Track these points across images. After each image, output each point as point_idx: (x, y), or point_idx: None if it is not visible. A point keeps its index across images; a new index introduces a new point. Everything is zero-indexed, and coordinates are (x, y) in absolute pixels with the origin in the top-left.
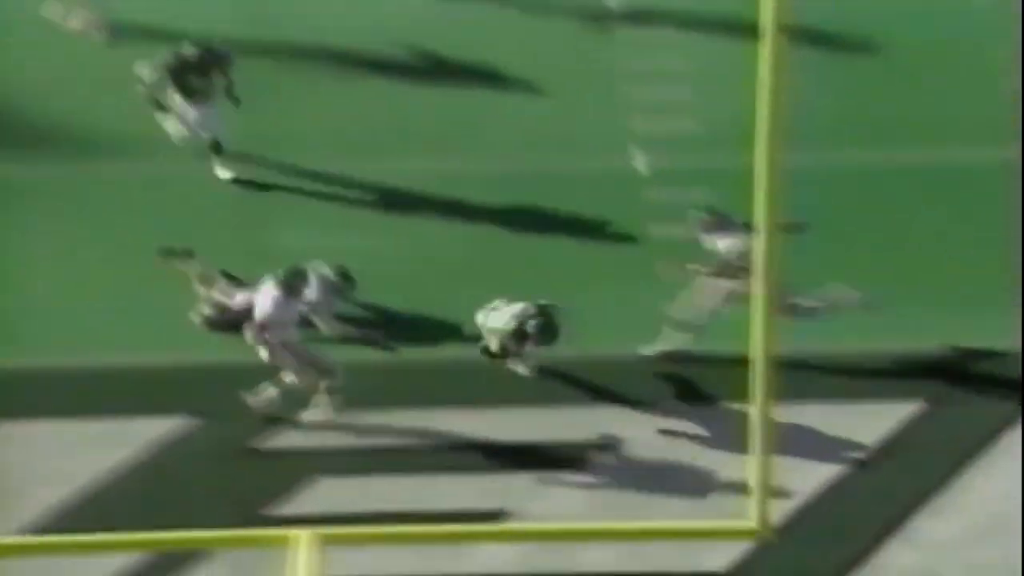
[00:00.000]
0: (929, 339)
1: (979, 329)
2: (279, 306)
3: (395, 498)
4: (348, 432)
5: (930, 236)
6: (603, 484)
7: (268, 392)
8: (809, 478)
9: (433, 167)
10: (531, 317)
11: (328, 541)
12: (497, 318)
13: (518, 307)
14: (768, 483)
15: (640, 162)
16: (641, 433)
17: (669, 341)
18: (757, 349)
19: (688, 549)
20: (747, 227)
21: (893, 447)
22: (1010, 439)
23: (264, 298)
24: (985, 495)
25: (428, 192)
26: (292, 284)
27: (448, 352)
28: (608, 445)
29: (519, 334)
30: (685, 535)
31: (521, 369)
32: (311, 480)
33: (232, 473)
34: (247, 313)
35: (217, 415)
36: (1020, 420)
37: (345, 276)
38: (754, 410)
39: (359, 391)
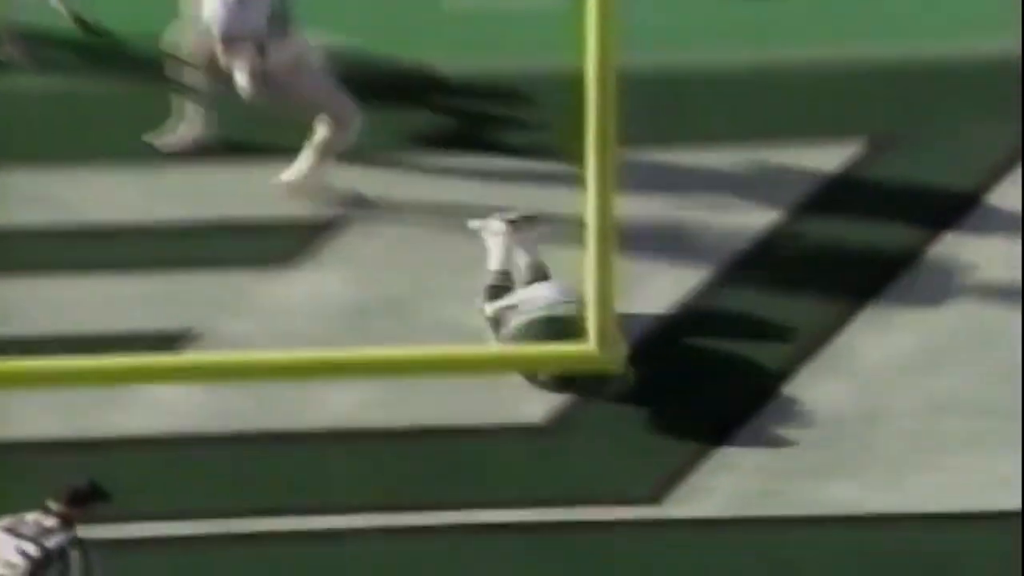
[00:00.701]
0: (877, 41)
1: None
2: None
3: (15, 313)
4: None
5: None
6: (350, 280)
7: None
8: (681, 273)
9: None
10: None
11: None
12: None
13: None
14: (613, 284)
15: None
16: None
17: None
18: (591, 64)
19: (489, 390)
20: None
21: (811, 219)
22: (987, 208)
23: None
24: (944, 298)
25: None
26: None
27: None
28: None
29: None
30: (485, 366)
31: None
32: None
33: None
34: None
35: None
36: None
37: None
38: (590, 169)
39: None
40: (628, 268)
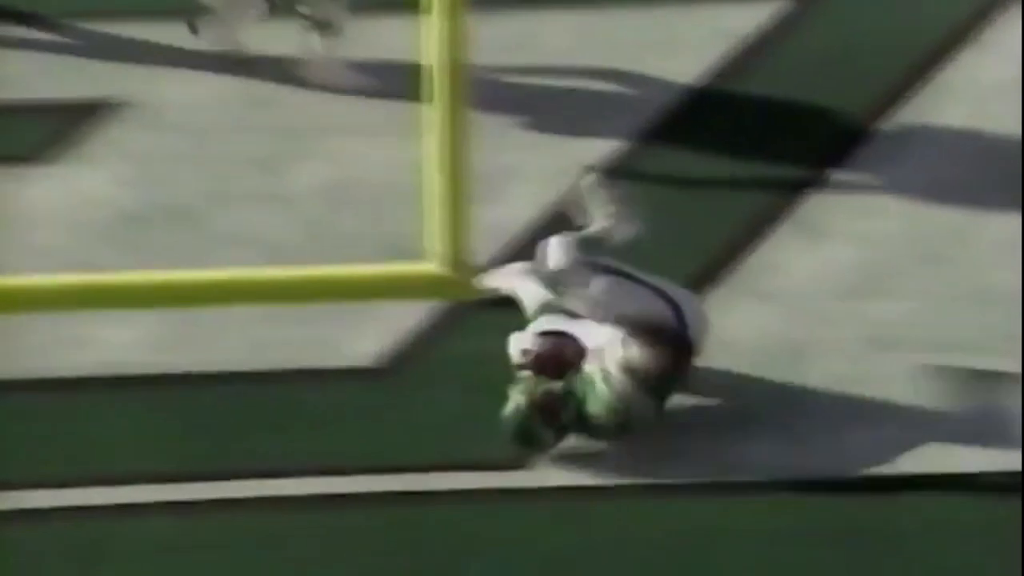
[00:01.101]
0: None
1: None
2: None
3: None
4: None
5: None
6: (123, 180)
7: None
8: (553, 172)
9: None
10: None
11: None
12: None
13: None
14: (465, 190)
15: None
16: None
17: None
18: None
19: (307, 323)
20: None
21: (721, 96)
22: (950, 80)
23: None
24: (893, 196)
25: None
26: None
27: None
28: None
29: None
30: (301, 292)
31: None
32: None
33: None
34: None
35: None
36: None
37: None
38: (432, 41)
39: None
40: (485, 169)
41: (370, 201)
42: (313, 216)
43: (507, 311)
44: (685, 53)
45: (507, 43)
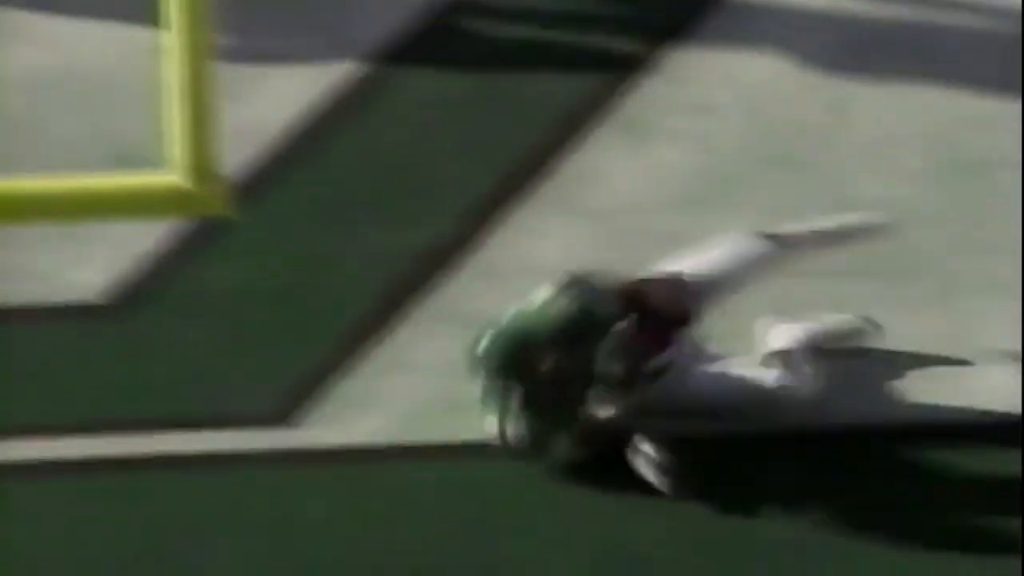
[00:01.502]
0: None
1: None
2: None
3: None
4: None
5: None
6: None
7: None
8: (317, 67)
9: None
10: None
11: None
12: None
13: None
14: (211, 90)
15: None
16: None
17: None
18: None
19: (13, 247)
20: None
21: None
22: None
23: None
24: (742, 73)
25: None
26: None
27: None
28: None
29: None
30: (15, 211)
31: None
32: None
33: None
34: None
35: None
36: None
37: None
38: None
39: None
40: (234, 60)
41: (91, 96)
42: (16, 114)
43: (264, 231)
44: None
45: None
